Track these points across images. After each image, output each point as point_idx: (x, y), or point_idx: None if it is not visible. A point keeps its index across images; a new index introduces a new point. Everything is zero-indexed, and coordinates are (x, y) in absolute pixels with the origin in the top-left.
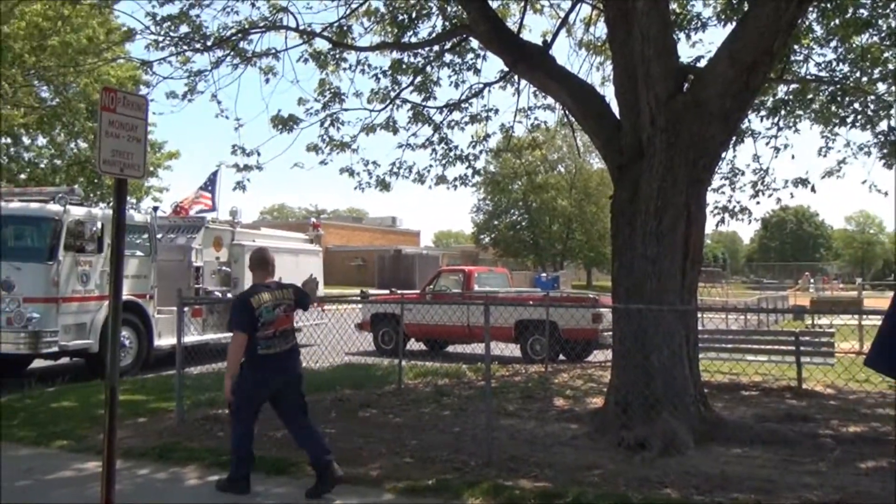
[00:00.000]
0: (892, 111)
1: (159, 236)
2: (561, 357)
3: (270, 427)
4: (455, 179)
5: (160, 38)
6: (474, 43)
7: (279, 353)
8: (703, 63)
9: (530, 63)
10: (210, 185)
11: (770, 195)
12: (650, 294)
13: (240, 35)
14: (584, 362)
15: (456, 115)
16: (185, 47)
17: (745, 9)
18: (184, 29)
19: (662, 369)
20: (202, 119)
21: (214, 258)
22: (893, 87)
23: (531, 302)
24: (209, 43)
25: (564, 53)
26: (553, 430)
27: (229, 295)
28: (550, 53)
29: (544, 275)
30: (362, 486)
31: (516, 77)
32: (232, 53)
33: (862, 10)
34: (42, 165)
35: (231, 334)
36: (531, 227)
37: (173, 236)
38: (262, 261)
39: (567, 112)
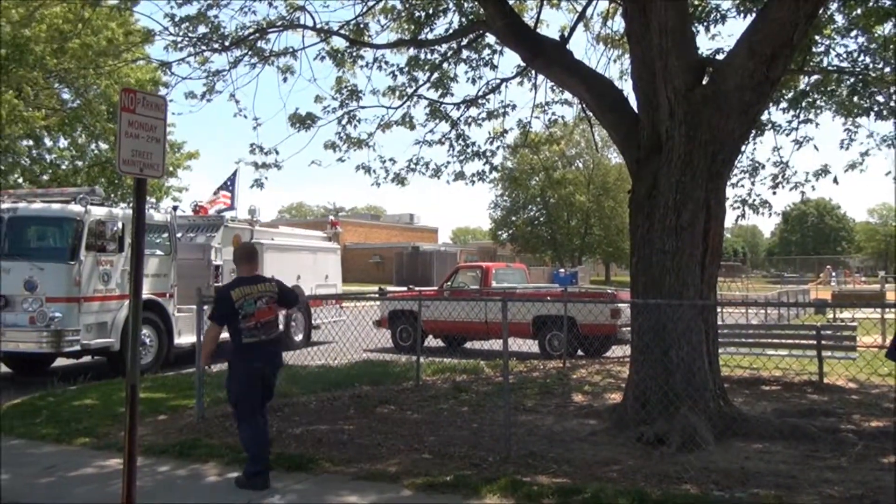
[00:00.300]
0: None
1: (179, 235)
2: (579, 352)
3: (289, 424)
4: (473, 175)
5: (179, 39)
6: (491, 38)
7: (263, 342)
8: (722, 56)
9: (547, 58)
10: (230, 184)
11: (792, 188)
12: (669, 289)
13: (257, 34)
14: (603, 358)
15: (473, 111)
16: (204, 47)
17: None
18: (202, 29)
19: (682, 364)
20: (221, 119)
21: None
22: None
23: (549, 298)
24: (227, 43)
25: (582, 48)
26: (571, 425)
27: None
28: (568, 48)
29: (562, 270)
30: (381, 481)
31: (533, 72)
32: (250, 53)
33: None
34: (63, 166)
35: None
36: (549, 222)
37: (193, 235)
38: (246, 255)
39: (585, 107)
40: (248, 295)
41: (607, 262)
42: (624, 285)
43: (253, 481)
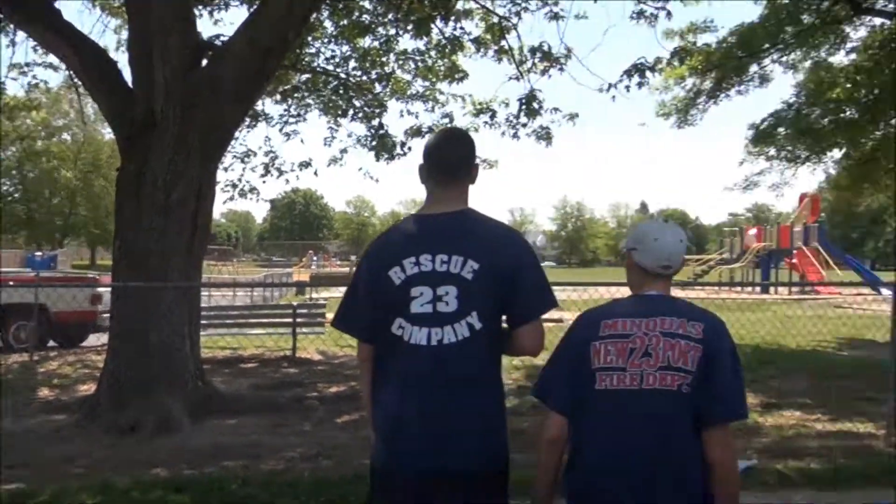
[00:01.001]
0: (385, 110)
1: None
2: (51, 343)
3: None
4: None
5: None
6: None
7: None
8: (222, 42)
9: (29, 14)
10: None
11: (279, 177)
12: (154, 270)
13: None
14: (80, 347)
15: None
16: None
17: None
18: None
19: (162, 348)
20: None
21: None
22: (387, 88)
23: (11, 283)
24: None
25: (75, 10)
26: (33, 424)
27: None
28: (56, 6)
29: (39, 253)
30: None
31: (12, 27)
32: None
33: (365, 16)
34: None
35: None
36: (26, 199)
37: None
38: None
39: (74, 75)
40: None
41: (94, 245)
42: (110, 269)
43: None
